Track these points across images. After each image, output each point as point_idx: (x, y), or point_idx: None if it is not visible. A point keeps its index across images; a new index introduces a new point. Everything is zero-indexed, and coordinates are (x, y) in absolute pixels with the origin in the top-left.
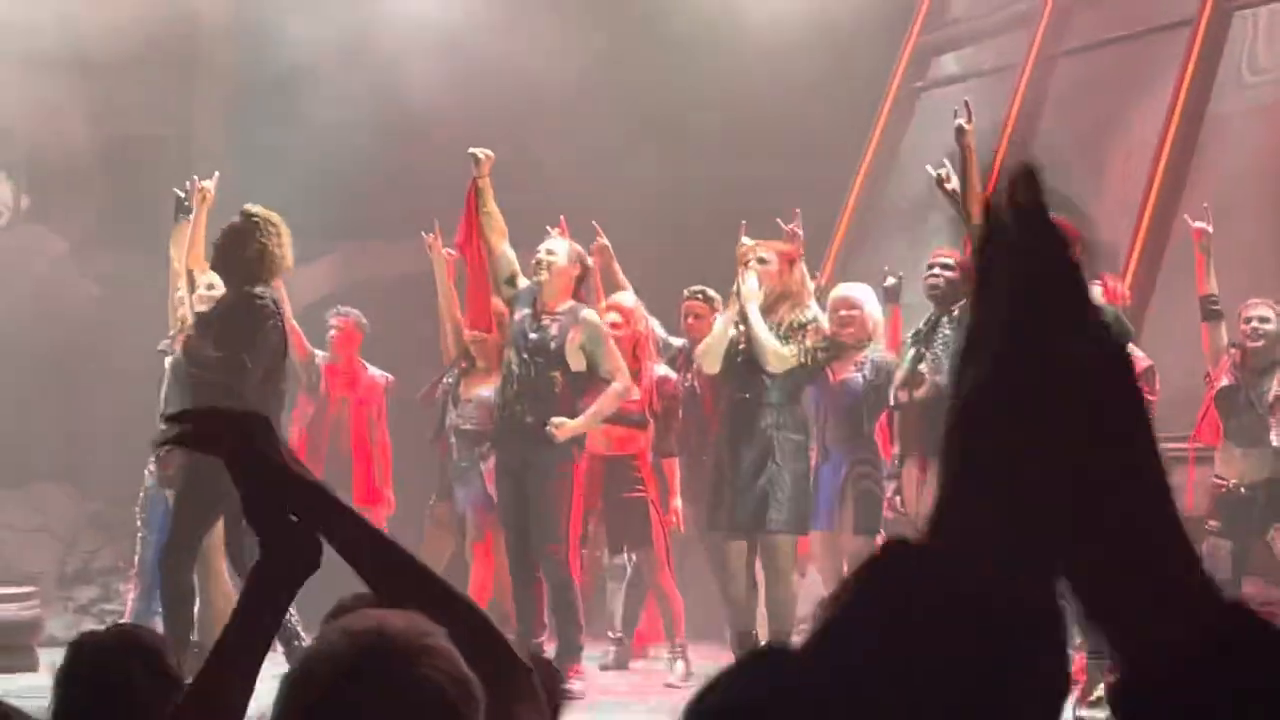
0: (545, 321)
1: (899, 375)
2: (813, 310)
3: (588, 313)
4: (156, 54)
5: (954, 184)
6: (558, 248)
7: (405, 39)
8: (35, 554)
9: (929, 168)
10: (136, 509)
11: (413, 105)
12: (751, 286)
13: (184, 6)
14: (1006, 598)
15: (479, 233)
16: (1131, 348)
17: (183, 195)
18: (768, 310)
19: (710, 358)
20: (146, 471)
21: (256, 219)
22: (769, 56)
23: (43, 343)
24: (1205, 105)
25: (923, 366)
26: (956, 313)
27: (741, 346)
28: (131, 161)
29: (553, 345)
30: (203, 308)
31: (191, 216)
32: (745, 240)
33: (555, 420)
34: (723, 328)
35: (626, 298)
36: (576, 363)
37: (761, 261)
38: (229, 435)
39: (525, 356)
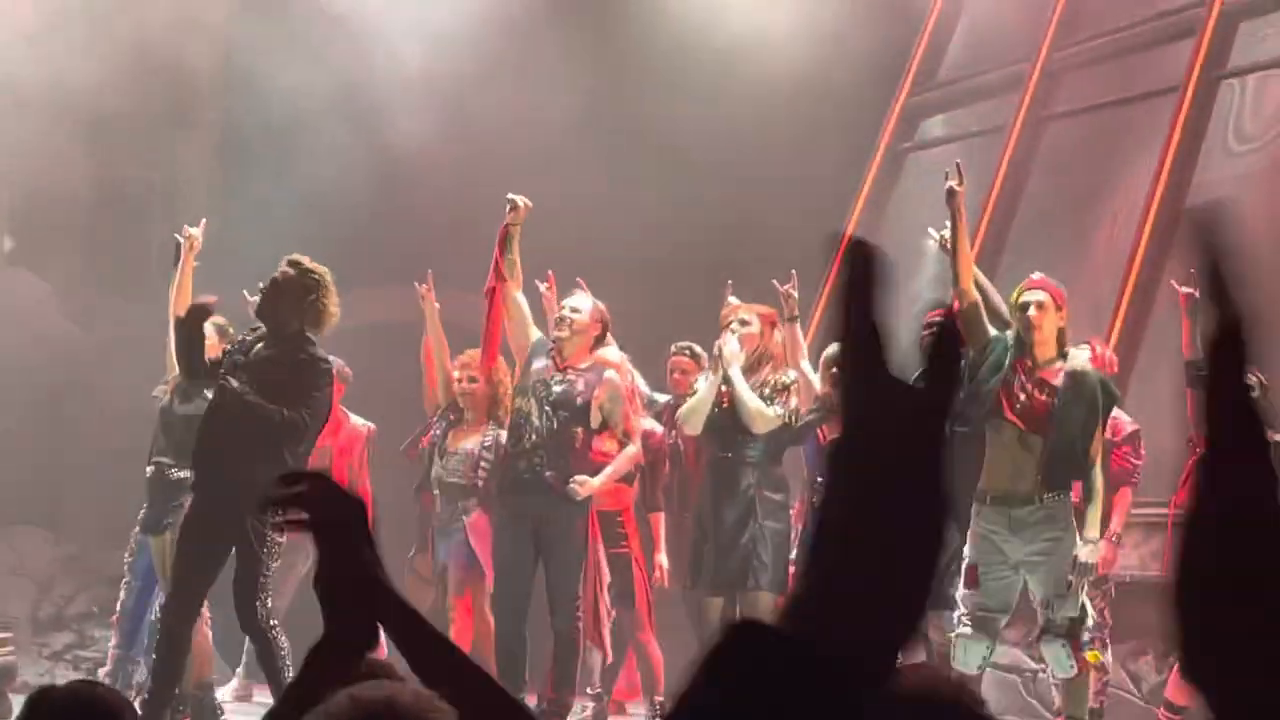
0: (571, 376)
1: None
2: (795, 372)
3: (611, 372)
4: (145, 99)
5: None
6: (581, 305)
7: (395, 88)
8: (10, 599)
9: (931, 231)
10: (126, 555)
11: (402, 153)
12: (733, 348)
13: (174, 53)
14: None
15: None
16: (1117, 412)
17: (182, 241)
18: (749, 371)
19: (693, 419)
20: (139, 516)
21: (315, 275)
22: (758, 115)
23: (22, 385)
24: (1192, 172)
25: None
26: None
27: (724, 406)
28: (118, 205)
29: (579, 401)
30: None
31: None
32: (731, 299)
33: (579, 478)
34: (706, 390)
35: (612, 353)
36: (596, 419)
37: (743, 323)
38: (331, 508)
39: (548, 409)
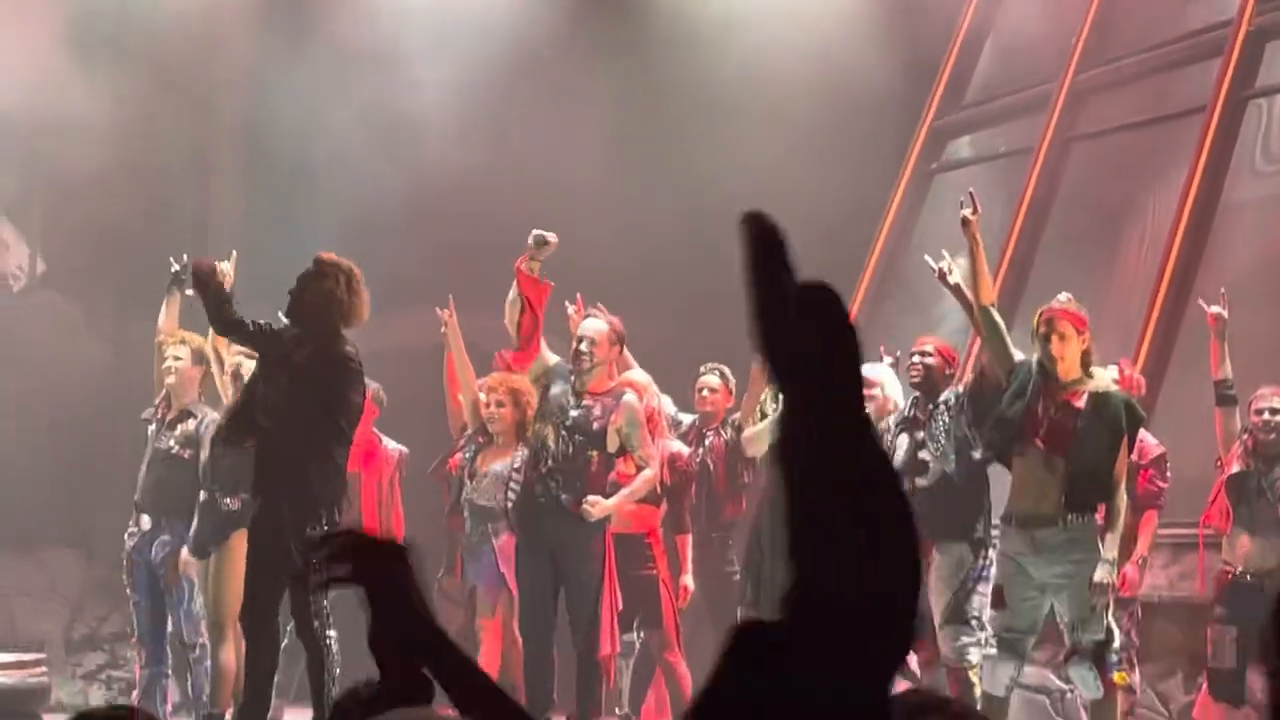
0: (588, 401)
1: (896, 461)
2: None
3: (630, 396)
4: (174, 123)
5: (955, 277)
6: (596, 335)
7: (421, 113)
8: (43, 619)
9: (928, 259)
10: (124, 575)
11: (429, 176)
12: None
13: (203, 83)
14: (842, 693)
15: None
16: (1144, 434)
17: (178, 269)
18: None
19: (758, 444)
20: (126, 536)
21: (341, 268)
22: (785, 136)
23: (54, 408)
24: (1219, 192)
25: (924, 454)
26: (951, 399)
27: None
28: (147, 229)
29: (595, 426)
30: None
31: (190, 293)
32: None
33: (591, 499)
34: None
35: (638, 374)
36: (613, 443)
37: None
38: (372, 565)
39: (564, 434)
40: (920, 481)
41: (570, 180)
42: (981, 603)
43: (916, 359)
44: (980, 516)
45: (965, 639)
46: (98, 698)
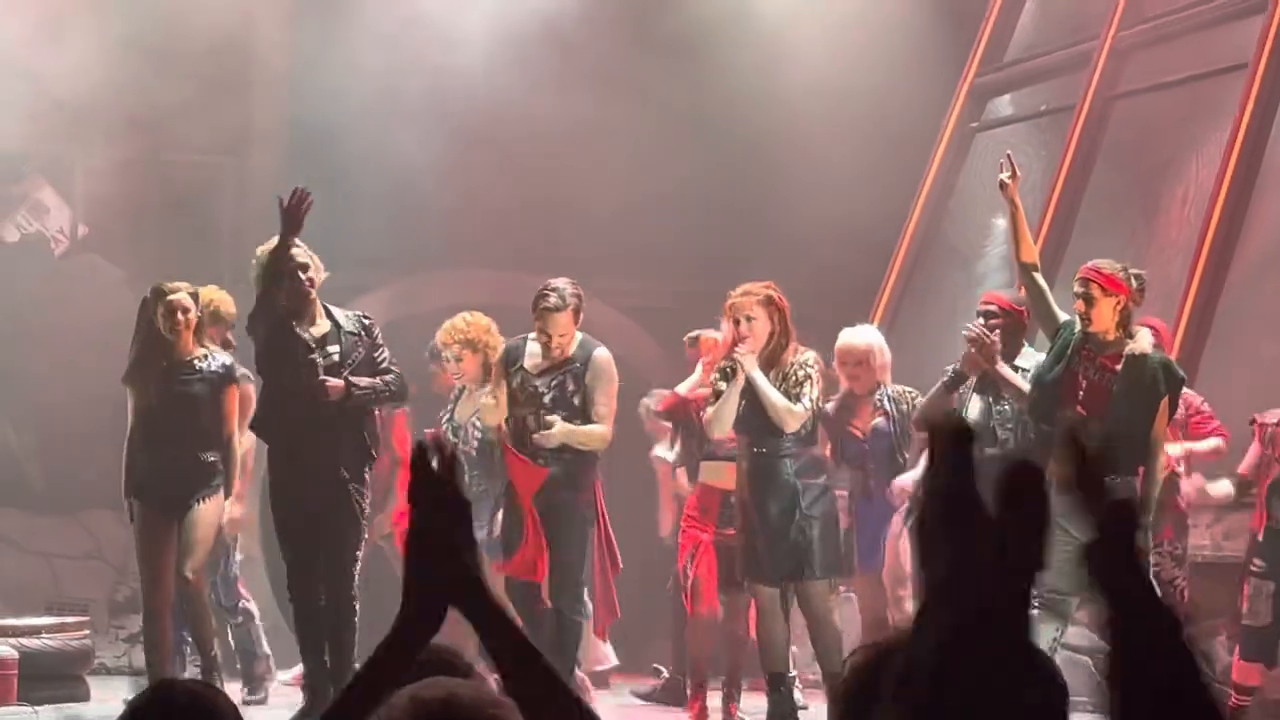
0: (559, 375)
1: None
2: (807, 354)
3: (599, 351)
4: (213, 82)
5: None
6: (552, 300)
7: (464, 73)
8: (87, 582)
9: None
10: None
11: (474, 131)
12: (746, 351)
13: (242, 35)
14: None
15: None
16: (1188, 392)
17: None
18: (768, 365)
19: (719, 424)
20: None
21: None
22: (824, 96)
23: (97, 371)
24: (1262, 151)
25: (994, 423)
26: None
27: (752, 402)
28: (189, 190)
29: (575, 401)
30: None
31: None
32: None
33: (548, 419)
34: (726, 396)
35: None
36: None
37: (749, 320)
38: (443, 496)
39: (543, 414)
40: (986, 450)
41: (619, 134)
42: None
43: (983, 321)
44: None
45: None
46: (141, 660)
